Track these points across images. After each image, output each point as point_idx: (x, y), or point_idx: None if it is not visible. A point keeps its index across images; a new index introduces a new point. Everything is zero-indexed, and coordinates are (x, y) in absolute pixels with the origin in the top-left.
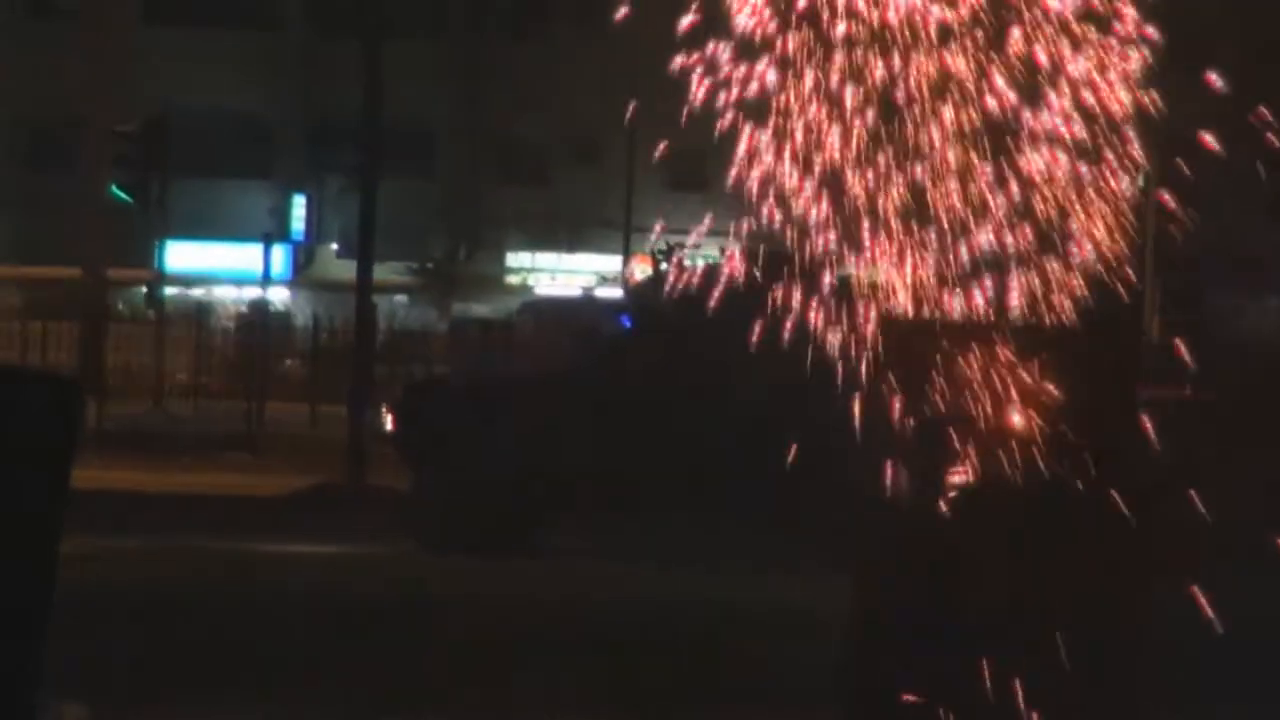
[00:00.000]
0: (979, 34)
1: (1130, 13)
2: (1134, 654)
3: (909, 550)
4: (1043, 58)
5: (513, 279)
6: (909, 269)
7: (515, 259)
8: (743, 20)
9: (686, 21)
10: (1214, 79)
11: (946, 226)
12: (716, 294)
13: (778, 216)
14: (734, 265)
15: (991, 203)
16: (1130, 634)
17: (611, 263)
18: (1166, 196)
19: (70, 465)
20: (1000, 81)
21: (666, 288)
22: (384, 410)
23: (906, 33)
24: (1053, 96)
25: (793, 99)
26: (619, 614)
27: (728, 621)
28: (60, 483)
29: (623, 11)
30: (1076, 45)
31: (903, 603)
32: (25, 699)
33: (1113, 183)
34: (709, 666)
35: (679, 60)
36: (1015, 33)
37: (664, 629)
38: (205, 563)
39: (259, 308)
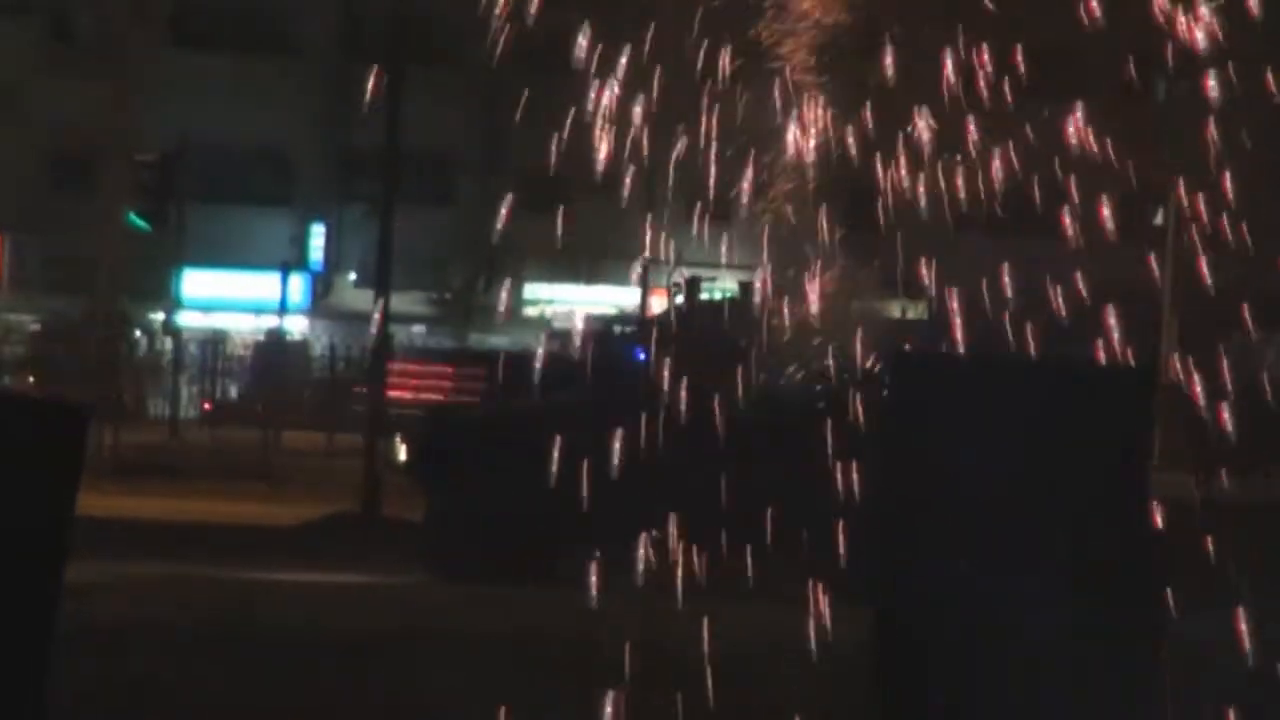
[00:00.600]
0: None
1: None
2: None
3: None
4: None
5: (530, 310)
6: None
7: (533, 290)
8: None
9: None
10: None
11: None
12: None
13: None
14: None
15: None
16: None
17: (630, 294)
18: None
19: (75, 491)
20: None
21: (681, 320)
22: (399, 440)
23: None
24: None
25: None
26: (635, 645)
27: (745, 653)
28: (66, 509)
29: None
30: None
31: None
32: None
33: None
34: (723, 698)
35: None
36: None
37: (681, 660)
38: (217, 592)
39: (276, 336)
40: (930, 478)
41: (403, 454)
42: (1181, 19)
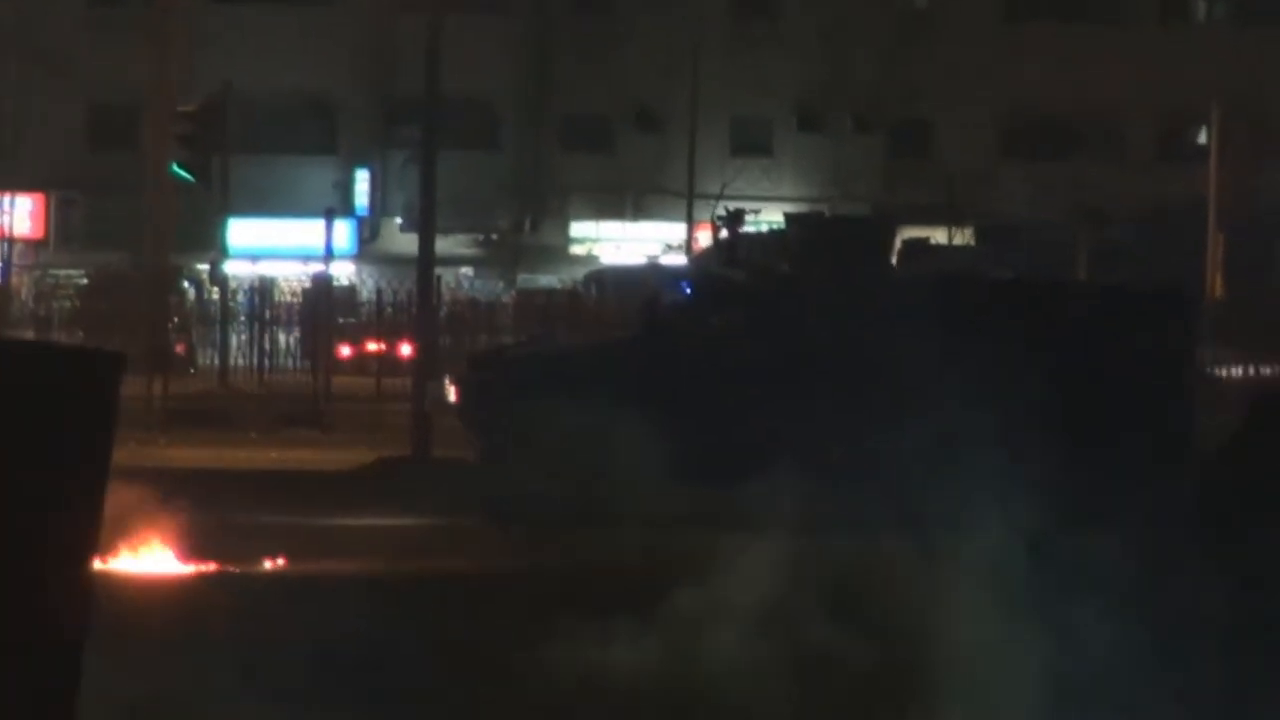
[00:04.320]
0: None
1: None
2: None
3: None
4: None
5: (577, 249)
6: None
7: (580, 228)
8: None
9: None
10: None
11: None
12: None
13: None
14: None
15: None
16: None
17: (676, 230)
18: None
19: (111, 437)
20: None
21: (726, 254)
22: (448, 382)
23: None
24: None
25: None
26: (689, 583)
27: (796, 590)
28: (102, 454)
29: None
30: None
31: None
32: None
33: None
34: (776, 638)
35: None
36: None
37: (742, 600)
38: (270, 538)
39: (321, 282)
40: (976, 398)
41: (452, 396)
42: None
